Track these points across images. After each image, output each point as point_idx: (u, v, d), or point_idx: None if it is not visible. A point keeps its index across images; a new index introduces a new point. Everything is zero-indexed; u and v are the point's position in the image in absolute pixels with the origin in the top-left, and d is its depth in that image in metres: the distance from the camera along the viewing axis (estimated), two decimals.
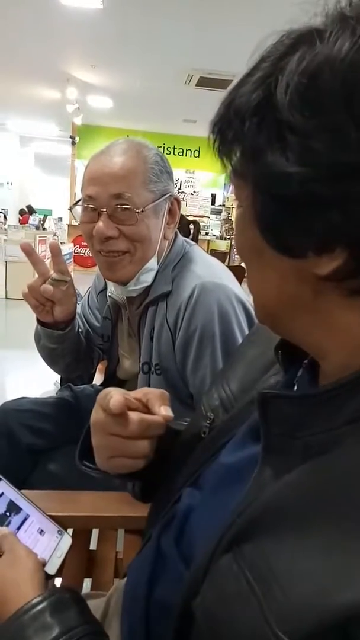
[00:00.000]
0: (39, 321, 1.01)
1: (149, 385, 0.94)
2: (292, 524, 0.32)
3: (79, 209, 0.91)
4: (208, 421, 0.57)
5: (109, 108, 8.43)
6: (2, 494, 0.61)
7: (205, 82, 6.63)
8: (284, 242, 0.36)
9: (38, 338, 1.06)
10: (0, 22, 5.27)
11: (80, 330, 1.15)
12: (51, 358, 1.09)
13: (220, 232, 10.55)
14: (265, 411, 0.41)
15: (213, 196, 11.19)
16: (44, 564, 0.55)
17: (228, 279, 0.94)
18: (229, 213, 10.30)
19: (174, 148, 10.49)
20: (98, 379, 1.62)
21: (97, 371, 1.68)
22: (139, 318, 0.97)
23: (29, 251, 0.92)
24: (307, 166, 0.31)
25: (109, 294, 1.05)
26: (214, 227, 10.78)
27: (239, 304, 0.91)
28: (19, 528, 0.58)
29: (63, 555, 0.58)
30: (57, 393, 1.21)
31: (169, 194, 0.92)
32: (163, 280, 0.94)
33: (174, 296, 0.91)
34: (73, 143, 10.08)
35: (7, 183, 11.47)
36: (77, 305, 1.04)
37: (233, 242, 9.84)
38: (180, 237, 1.01)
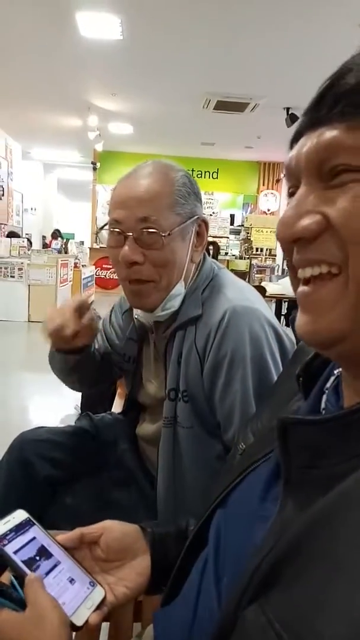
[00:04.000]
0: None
1: (175, 413, 0.91)
2: (319, 562, 0.29)
3: (105, 233, 0.90)
4: (240, 452, 0.55)
5: (129, 134, 8.62)
6: (34, 538, 0.57)
7: (222, 106, 6.73)
8: None
9: (52, 356, 1.07)
10: (24, 55, 5.50)
11: (97, 347, 1.14)
12: (64, 375, 1.10)
13: (239, 251, 10.57)
14: (285, 440, 0.38)
15: (232, 216, 11.25)
16: (70, 615, 0.51)
17: (259, 303, 0.91)
18: (247, 233, 10.32)
19: (193, 170, 10.63)
20: (117, 405, 1.59)
21: (117, 396, 1.66)
22: (166, 342, 0.94)
23: (84, 309, 0.95)
24: None
25: (136, 316, 1.03)
26: (233, 247, 10.81)
27: (270, 328, 0.87)
28: (47, 573, 0.54)
29: (94, 607, 0.54)
30: (75, 422, 1.19)
31: (197, 216, 0.90)
32: (192, 304, 0.91)
33: (204, 320, 0.89)
34: (94, 169, 10.33)
35: (32, 209, 11.79)
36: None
37: (252, 262, 9.83)
38: (209, 260, 0.99)
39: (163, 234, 0.83)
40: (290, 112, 6.63)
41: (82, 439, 1.10)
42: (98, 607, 0.54)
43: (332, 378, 0.45)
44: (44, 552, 0.56)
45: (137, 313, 1.01)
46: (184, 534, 0.62)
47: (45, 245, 10.04)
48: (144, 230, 0.83)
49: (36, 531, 0.58)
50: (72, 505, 1.01)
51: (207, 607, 0.45)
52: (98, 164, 10.22)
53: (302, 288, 0.39)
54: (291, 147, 0.41)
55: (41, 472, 1.01)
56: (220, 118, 7.26)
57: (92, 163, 10.26)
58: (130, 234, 0.84)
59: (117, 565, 0.59)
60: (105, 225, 0.90)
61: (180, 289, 0.91)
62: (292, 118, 6.59)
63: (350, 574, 0.26)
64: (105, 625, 0.77)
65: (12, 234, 7.82)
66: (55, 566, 0.55)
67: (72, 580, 0.55)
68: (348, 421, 0.35)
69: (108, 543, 0.58)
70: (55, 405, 3.15)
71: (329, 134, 0.35)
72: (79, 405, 2.74)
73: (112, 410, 1.60)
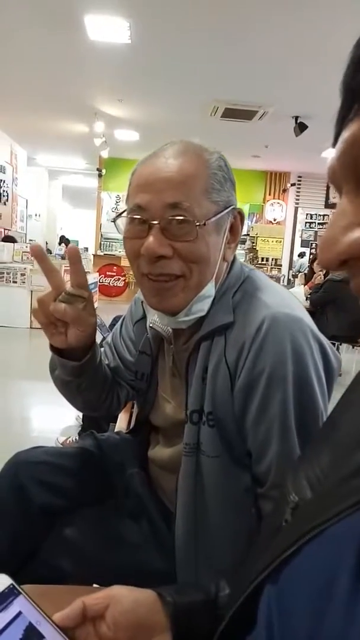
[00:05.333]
0: (52, 347, 0.84)
1: (198, 439, 0.76)
2: None
3: (123, 221, 0.75)
4: (292, 506, 0.42)
5: (135, 141, 8.57)
6: (20, 614, 0.43)
7: (230, 114, 6.67)
8: None
9: (53, 367, 0.90)
10: (30, 59, 5.44)
11: (107, 363, 0.99)
12: (67, 392, 0.93)
13: (245, 260, 10.46)
14: None
15: None
16: None
17: (301, 311, 0.76)
18: (253, 242, 10.24)
19: None
20: (122, 421, 1.45)
21: (122, 411, 1.52)
22: (188, 355, 0.79)
23: (40, 255, 0.77)
24: None
25: (150, 325, 0.88)
26: (238, 256, 10.68)
27: (315, 342, 0.73)
28: None
29: None
30: (77, 441, 1.04)
31: (233, 206, 0.76)
32: (222, 309, 0.76)
33: (237, 329, 0.73)
34: (100, 175, 10.28)
35: (36, 215, 11.74)
36: (101, 331, 0.87)
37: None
38: (238, 260, 0.85)
39: (197, 224, 0.70)
40: (298, 121, 6.55)
41: (85, 461, 0.96)
42: None
43: None
44: (32, 634, 0.42)
45: (152, 320, 0.87)
46: (213, 603, 0.48)
47: (48, 251, 9.90)
48: (174, 218, 0.69)
49: (22, 603, 0.44)
50: (72, 539, 0.86)
51: None
52: (103, 171, 10.19)
53: None
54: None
55: (37, 500, 0.87)
56: (227, 126, 7.19)
57: (98, 170, 10.22)
58: (156, 222, 0.70)
59: None
60: (123, 212, 0.75)
61: (211, 289, 0.76)
62: (300, 127, 6.52)
63: None
64: None
65: (8, 239, 7.56)
66: None
67: None
68: None
69: (116, 617, 0.45)
70: (56, 416, 3.03)
71: (353, 127, 0.29)
72: (80, 416, 2.62)
73: (117, 424, 1.46)
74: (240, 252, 10.74)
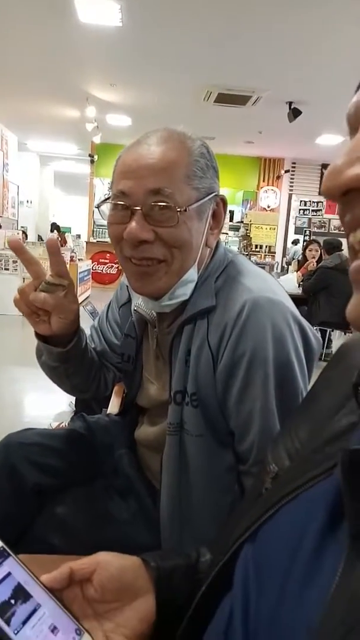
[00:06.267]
0: (37, 334, 0.87)
1: (181, 419, 0.79)
2: None
3: (107, 206, 0.77)
4: (272, 475, 0.44)
5: (128, 126, 8.48)
6: (9, 574, 0.46)
7: (224, 99, 6.60)
8: None
9: (39, 354, 0.92)
10: (19, 42, 5.34)
11: (93, 347, 1.01)
12: (54, 377, 0.96)
13: (238, 248, 10.45)
14: (354, 482, 0.29)
15: (231, 213, 11.13)
16: None
17: (282, 295, 0.79)
18: (247, 229, 10.22)
19: None
20: (114, 405, 1.48)
21: (113, 394, 1.55)
22: (171, 338, 0.81)
23: (18, 248, 0.79)
24: None
25: (135, 308, 0.90)
26: (232, 243, 10.69)
27: (296, 324, 0.75)
28: (25, 622, 0.43)
29: None
30: (68, 424, 1.07)
31: (215, 193, 0.78)
32: (204, 293, 0.79)
33: (219, 312, 0.76)
34: (92, 161, 10.18)
35: (27, 201, 11.63)
36: (92, 318, 0.90)
37: (252, 259, 9.73)
38: (222, 245, 0.87)
39: (179, 210, 0.71)
40: (292, 107, 6.51)
41: (75, 442, 0.99)
42: None
43: None
44: (20, 593, 0.45)
45: (136, 304, 0.90)
46: (194, 567, 0.51)
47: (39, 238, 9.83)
48: (156, 204, 0.71)
49: (11, 564, 0.47)
50: (63, 516, 0.89)
51: None
52: (96, 157, 10.07)
53: (356, 262, 0.30)
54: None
55: (29, 479, 0.90)
56: (221, 111, 7.13)
57: (90, 156, 10.11)
58: (139, 208, 0.72)
59: (115, 608, 0.48)
60: (107, 199, 0.77)
61: (193, 274, 0.78)
62: (294, 112, 6.47)
63: None
64: None
65: None
66: (34, 611, 0.44)
67: (54, 629, 0.44)
68: None
69: (103, 581, 0.48)
70: (49, 402, 3.06)
71: None
72: (73, 402, 2.65)
73: (109, 408, 1.49)
74: (233, 240, 10.75)
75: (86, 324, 0.98)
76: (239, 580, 0.39)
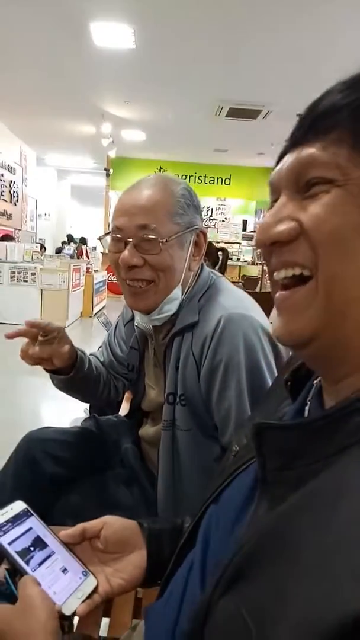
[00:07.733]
0: (45, 369, 1.05)
1: (173, 416, 0.93)
2: (282, 558, 0.31)
3: (108, 239, 0.94)
4: (234, 453, 0.57)
5: (142, 141, 8.71)
6: (30, 528, 0.60)
7: (235, 113, 6.77)
8: None
9: (52, 379, 1.11)
10: (39, 65, 5.60)
11: (103, 360, 1.18)
12: (67, 392, 1.13)
13: (252, 257, 10.55)
14: (260, 443, 0.41)
15: (244, 222, 11.25)
16: (60, 604, 0.53)
17: (254, 310, 0.93)
18: None
19: (205, 177, 10.69)
20: (124, 409, 1.62)
21: (124, 401, 1.69)
22: (164, 348, 0.97)
23: (13, 335, 0.96)
24: None
25: (136, 324, 1.06)
26: (245, 253, 10.80)
27: (264, 335, 0.89)
28: (40, 564, 0.57)
29: (84, 597, 0.56)
30: (81, 423, 1.21)
31: (195, 227, 0.94)
32: (190, 311, 0.94)
33: (200, 327, 0.91)
34: (107, 175, 10.44)
35: (45, 214, 11.95)
36: (106, 329, 1.06)
37: (265, 268, 9.79)
38: (207, 269, 1.02)
39: (161, 240, 0.87)
40: None
41: (87, 438, 1.13)
42: (89, 597, 0.56)
43: (316, 382, 0.47)
44: (39, 543, 0.58)
45: (137, 321, 1.05)
46: (179, 530, 0.64)
47: (58, 251, 10.08)
48: (144, 236, 0.87)
49: (33, 522, 0.60)
50: (76, 503, 1.03)
51: (191, 605, 0.47)
52: (111, 171, 10.33)
53: (279, 293, 0.41)
54: (276, 165, 0.44)
55: (47, 470, 1.04)
56: (232, 125, 7.29)
57: (105, 169, 10.38)
58: (131, 240, 0.88)
59: (115, 558, 0.61)
60: (108, 233, 0.94)
61: (177, 293, 0.94)
62: None
63: (309, 569, 0.28)
64: (105, 621, 0.79)
65: (6, 237, 7.61)
66: (49, 556, 0.58)
67: (64, 570, 0.57)
68: (316, 426, 0.37)
69: (107, 536, 0.61)
70: (65, 409, 3.19)
71: (306, 151, 0.39)
72: (88, 409, 2.78)
73: (120, 413, 1.63)
74: (247, 249, 10.84)
75: (99, 335, 1.14)
76: (201, 534, 0.52)
